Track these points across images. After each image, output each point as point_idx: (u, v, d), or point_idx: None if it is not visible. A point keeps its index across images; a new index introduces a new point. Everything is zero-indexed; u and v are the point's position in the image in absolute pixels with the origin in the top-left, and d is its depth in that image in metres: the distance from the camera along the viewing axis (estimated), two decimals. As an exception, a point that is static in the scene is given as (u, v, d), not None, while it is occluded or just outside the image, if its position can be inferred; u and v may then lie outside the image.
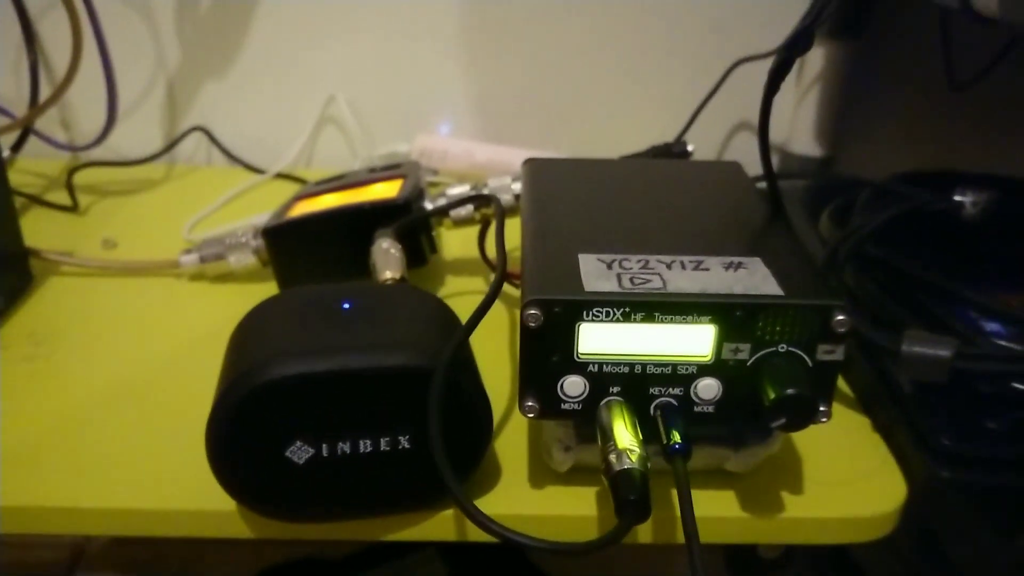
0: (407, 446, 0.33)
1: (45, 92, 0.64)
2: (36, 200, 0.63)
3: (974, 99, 0.61)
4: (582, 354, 0.32)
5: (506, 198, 0.50)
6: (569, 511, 0.36)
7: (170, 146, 0.72)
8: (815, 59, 0.68)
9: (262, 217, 0.54)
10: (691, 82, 0.70)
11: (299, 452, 0.32)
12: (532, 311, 0.31)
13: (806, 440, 0.40)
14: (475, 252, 0.52)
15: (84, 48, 0.58)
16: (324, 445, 0.32)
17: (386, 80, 0.72)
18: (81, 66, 0.57)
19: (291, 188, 0.65)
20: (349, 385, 0.32)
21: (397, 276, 0.42)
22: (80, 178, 0.67)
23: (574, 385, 0.32)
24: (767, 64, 0.36)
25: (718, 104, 0.69)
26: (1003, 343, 0.40)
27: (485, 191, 0.50)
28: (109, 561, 0.69)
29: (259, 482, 0.33)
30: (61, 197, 0.63)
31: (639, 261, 0.33)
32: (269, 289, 0.51)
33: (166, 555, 0.68)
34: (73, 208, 0.63)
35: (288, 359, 0.31)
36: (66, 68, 0.57)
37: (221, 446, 0.32)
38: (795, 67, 0.70)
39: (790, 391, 0.30)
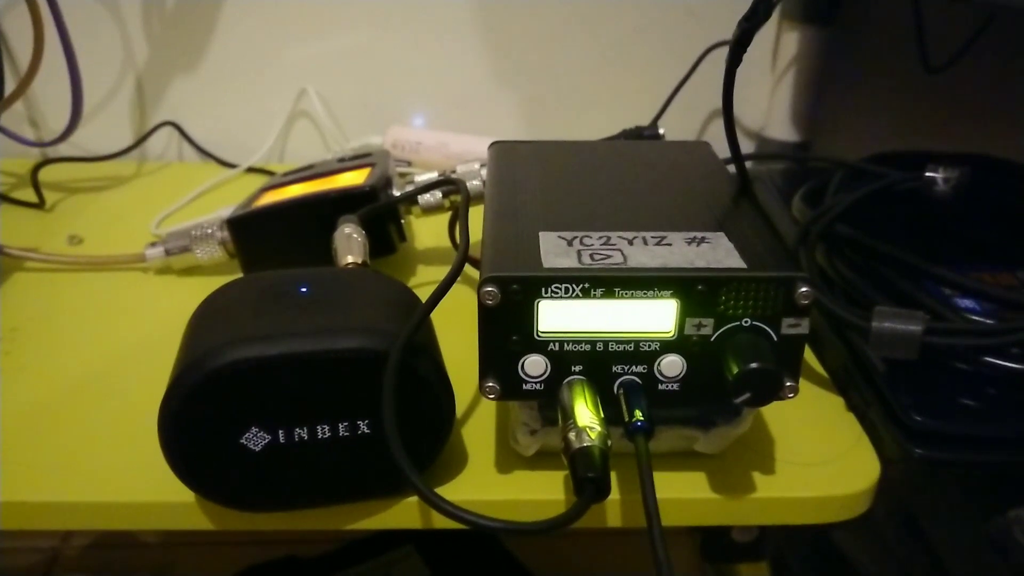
0: (367, 431, 0.32)
1: (12, 89, 0.63)
2: (2, 198, 0.62)
3: (948, 82, 0.60)
4: (542, 332, 0.31)
5: (474, 183, 0.49)
6: (536, 495, 0.35)
7: (139, 141, 0.71)
8: (789, 44, 0.68)
9: (230, 209, 0.53)
10: (666, 68, 0.70)
11: (255, 439, 0.32)
12: (489, 288, 0.30)
13: (779, 420, 0.39)
14: (446, 241, 0.51)
15: (50, 43, 0.57)
16: (280, 432, 0.32)
17: (358, 73, 0.71)
18: (48, 62, 0.56)
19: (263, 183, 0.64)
20: (303, 370, 0.31)
21: (359, 261, 0.41)
22: (49, 175, 0.66)
23: (535, 365, 0.32)
24: None
25: (692, 89, 0.69)
26: (980, 319, 0.40)
27: (453, 177, 0.50)
28: (84, 565, 0.68)
29: (215, 471, 0.32)
30: (29, 195, 0.62)
31: (600, 238, 0.33)
32: (236, 281, 0.50)
33: (141, 559, 0.67)
34: (40, 205, 0.62)
35: (240, 344, 0.31)
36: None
37: (173, 434, 0.31)
38: (770, 52, 0.70)
39: (754, 365, 0.30)
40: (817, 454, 0.37)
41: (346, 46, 0.70)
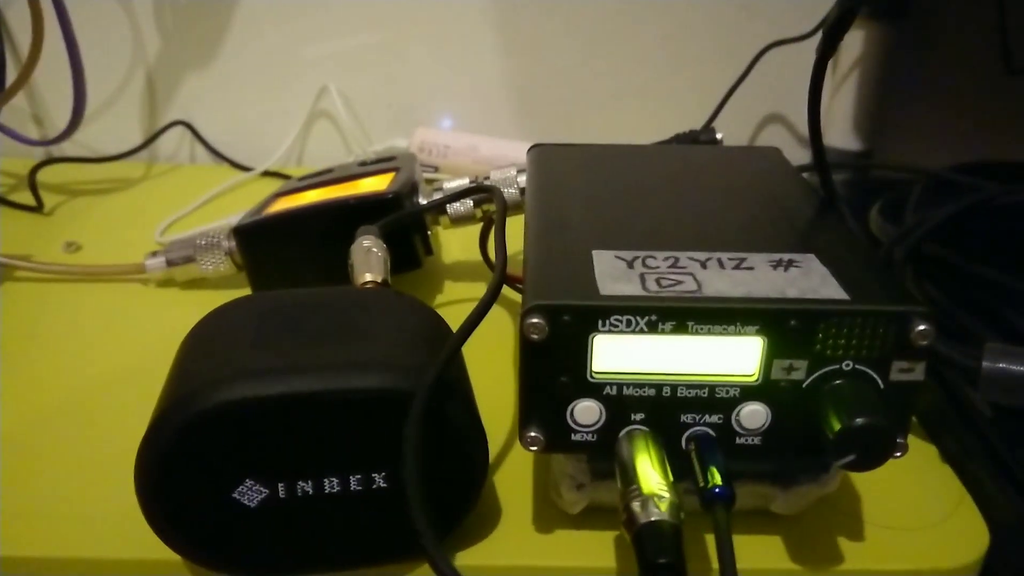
0: (383, 485, 0.27)
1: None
2: (-1, 200, 0.58)
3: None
4: (597, 373, 0.26)
5: (511, 192, 0.44)
6: (582, 561, 0.30)
7: (149, 141, 0.67)
8: (853, 43, 0.62)
9: (239, 216, 0.49)
10: (718, 69, 0.65)
11: (250, 493, 0.27)
12: (534, 320, 0.25)
13: (862, 473, 0.34)
14: (477, 254, 0.46)
15: (55, 35, 0.52)
16: (281, 484, 0.27)
17: (383, 70, 0.67)
18: (53, 56, 0.53)
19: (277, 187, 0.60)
20: (309, 412, 0.26)
21: (379, 279, 0.36)
22: (50, 176, 0.62)
23: (587, 412, 0.26)
24: (800, 48, 0.31)
25: (747, 91, 0.64)
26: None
27: (487, 183, 0.45)
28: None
29: (201, 529, 0.27)
30: (27, 197, 0.58)
31: (667, 259, 0.27)
32: (244, 296, 0.45)
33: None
34: (38, 208, 0.58)
35: (234, 381, 0.26)
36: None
37: (152, 485, 0.26)
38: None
39: (860, 420, 0.24)
40: (913, 516, 0.32)
41: (370, 42, 0.66)
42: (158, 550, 0.28)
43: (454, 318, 0.32)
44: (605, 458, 0.27)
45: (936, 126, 0.66)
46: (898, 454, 0.26)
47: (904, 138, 0.67)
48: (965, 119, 0.63)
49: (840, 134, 0.65)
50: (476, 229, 0.47)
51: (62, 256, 0.51)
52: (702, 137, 0.50)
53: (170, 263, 0.46)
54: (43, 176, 0.60)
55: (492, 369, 0.33)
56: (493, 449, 0.34)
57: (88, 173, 0.64)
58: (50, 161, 0.63)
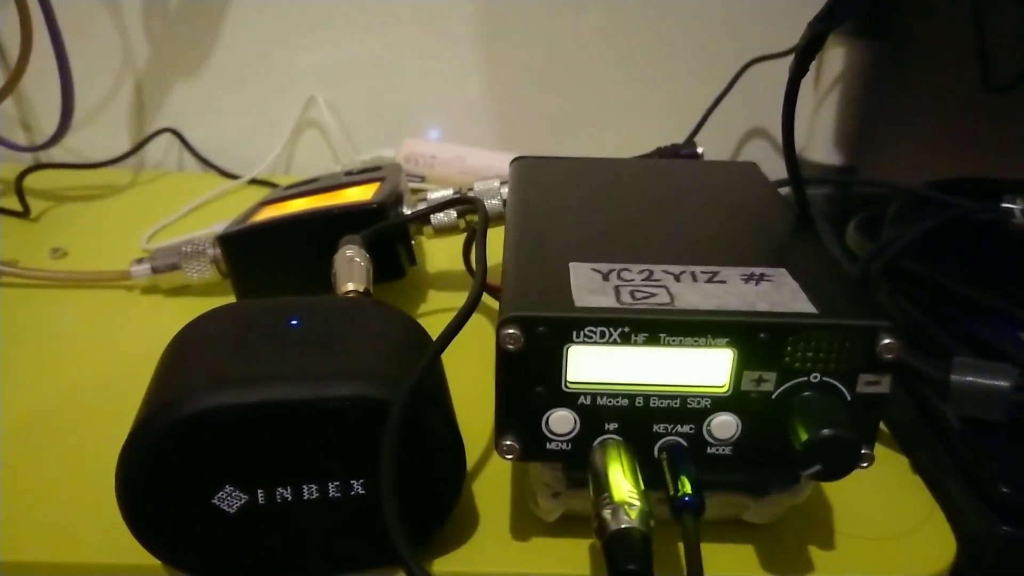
0: (362, 492, 0.28)
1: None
2: (-17, 205, 0.58)
3: (1013, 102, 0.55)
4: (571, 383, 0.26)
5: (494, 203, 0.44)
6: (558, 569, 0.30)
7: (137, 148, 0.67)
8: (835, 60, 0.63)
9: (226, 224, 0.49)
10: (701, 84, 0.65)
11: (229, 499, 0.27)
12: (510, 331, 0.25)
13: (835, 483, 0.34)
14: (460, 264, 0.46)
15: (42, 42, 0.53)
16: (260, 491, 0.27)
17: (371, 81, 0.67)
18: (42, 62, 0.53)
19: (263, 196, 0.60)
20: (288, 420, 0.26)
21: (360, 289, 0.36)
22: (38, 182, 0.62)
23: (562, 421, 0.27)
24: (782, 64, 0.31)
25: (729, 107, 0.64)
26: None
27: (470, 195, 0.45)
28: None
29: (181, 535, 0.27)
30: (14, 203, 0.58)
31: (642, 271, 0.28)
32: (229, 304, 0.45)
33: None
34: (24, 214, 0.58)
35: (214, 389, 0.26)
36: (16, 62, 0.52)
37: (132, 491, 0.26)
38: (812, 70, 0.65)
39: (826, 432, 0.25)
40: (883, 526, 0.32)
41: (359, 52, 0.66)
42: (138, 555, 0.28)
43: (437, 327, 0.32)
44: (580, 467, 0.28)
45: (918, 142, 0.67)
46: (864, 465, 0.27)
47: (887, 153, 0.68)
48: (946, 136, 0.64)
49: (822, 149, 0.66)
50: (459, 239, 0.47)
51: (48, 262, 0.51)
52: (683, 151, 0.51)
53: (155, 270, 0.47)
54: (30, 182, 0.60)
55: (472, 377, 0.33)
56: (472, 457, 0.34)
57: (76, 179, 0.64)
58: (38, 167, 0.63)
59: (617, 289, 0.27)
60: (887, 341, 0.25)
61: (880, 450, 0.37)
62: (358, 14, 0.65)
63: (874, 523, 0.32)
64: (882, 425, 0.38)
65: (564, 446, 0.27)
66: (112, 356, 0.42)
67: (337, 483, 0.27)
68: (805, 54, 0.29)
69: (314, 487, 0.27)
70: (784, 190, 0.37)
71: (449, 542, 0.31)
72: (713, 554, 0.30)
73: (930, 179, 0.50)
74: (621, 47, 0.66)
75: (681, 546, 0.25)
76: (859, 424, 0.26)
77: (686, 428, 0.27)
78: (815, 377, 0.26)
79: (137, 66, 0.66)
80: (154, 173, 0.68)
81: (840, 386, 0.26)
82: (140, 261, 0.47)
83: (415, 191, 0.60)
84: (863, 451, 0.27)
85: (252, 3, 0.64)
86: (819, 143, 0.65)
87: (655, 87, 0.67)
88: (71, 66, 0.55)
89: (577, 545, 0.31)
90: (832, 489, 0.34)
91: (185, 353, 0.29)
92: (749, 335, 0.25)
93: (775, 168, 0.36)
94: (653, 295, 0.26)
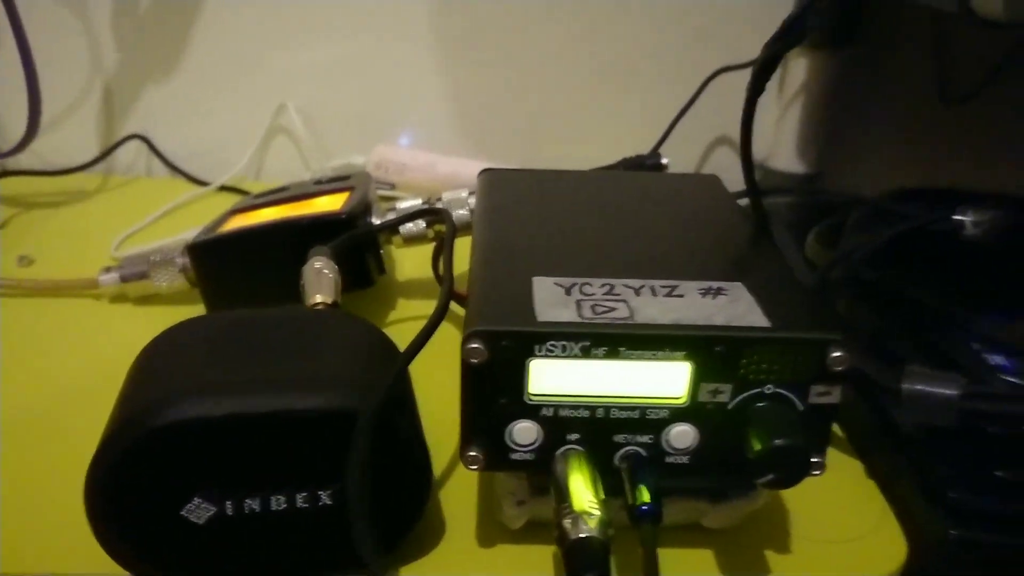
0: (328, 502, 0.28)
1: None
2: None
3: (971, 113, 0.57)
4: (534, 395, 0.27)
5: (461, 213, 0.45)
6: (522, 574, 0.31)
7: (105, 154, 0.67)
8: (798, 70, 0.64)
9: (196, 232, 0.49)
10: (669, 93, 0.66)
11: (198, 511, 0.27)
12: (474, 345, 0.26)
13: (792, 489, 0.35)
14: (429, 272, 0.47)
15: (10, 46, 0.52)
16: (228, 502, 0.27)
17: (343, 87, 0.67)
18: (8, 67, 0.52)
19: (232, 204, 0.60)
20: (256, 431, 0.27)
21: (328, 301, 0.37)
22: (4, 189, 0.62)
23: (525, 432, 0.27)
24: (750, 74, 0.32)
25: (697, 116, 0.65)
26: (1011, 379, 0.36)
27: (439, 205, 0.45)
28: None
29: (149, 546, 0.27)
30: (-19, 209, 0.58)
31: (603, 286, 0.28)
32: (198, 312, 0.45)
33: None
34: (-10, 221, 0.57)
35: (182, 401, 0.26)
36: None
37: (101, 503, 0.27)
38: (776, 79, 0.66)
39: (779, 441, 0.25)
40: (837, 530, 0.33)
41: (331, 58, 0.66)
42: (107, 566, 0.28)
43: (406, 335, 0.32)
44: (544, 476, 0.28)
45: (882, 151, 0.68)
46: (816, 472, 0.28)
47: (853, 161, 0.69)
48: (909, 145, 0.65)
49: (786, 158, 0.67)
50: (428, 248, 0.47)
51: (15, 270, 0.51)
52: (648, 162, 0.51)
53: (124, 279, 0.47)
54: (-3, 188, 0.60)
55: (439, 383, 0.34)
56: (438, 465, 0.35)
57: (43, 186, 0.64)
58: (4, 174, 0.63)
59: (579, 303, 0.27)
60: (837, 354, 0.26)
61: (836, 455, 0.38)
62: (329, 20, 0.65)
63: (829, 527, 0.33)
64: (838, 431, 0.39)
65: (528, 456, 0.28)
66: (81, 366, 0.42)
67: (304, 494, 0.28)
68: (760, 74, 0.30)
69: (282, 498, 0.28)
70: (744, 201, 0.38)
71: (416, 549, 0.31)
72: (673, 558, 0.31)
73: (895, 187, 0.51)
74: (591, 55, 0.67)
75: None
76: (811, 433, 0.27)
77: (645, 438, 0.28)
78: (769, 388, 0.27)
79: (106, 71, 0.66)
80: (123, 179, 0.68)
81: (793, 397, 0.27)
82: (108, 270, 0.47)
83: (385, 199, 0.60)
84: (814, 459, 0.28)
85: (223, 8, 0.64)
86: (783, 152, 0.67)
87: (624, 96, 0.68)
88: (38, 70, 0.55)
89: (542, 552, 0.31)
90: (789, 494, 0.35)
91: (154, 365, 0.29)
92: (705, 348, 0.26)
93: (742, 177, 0.36)
94: (613, 309, 0.27)
